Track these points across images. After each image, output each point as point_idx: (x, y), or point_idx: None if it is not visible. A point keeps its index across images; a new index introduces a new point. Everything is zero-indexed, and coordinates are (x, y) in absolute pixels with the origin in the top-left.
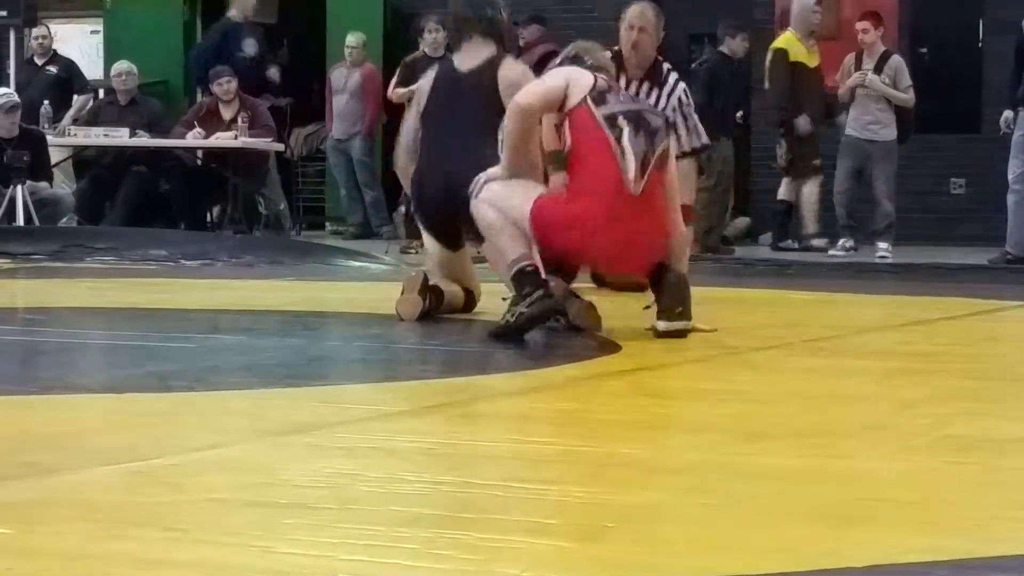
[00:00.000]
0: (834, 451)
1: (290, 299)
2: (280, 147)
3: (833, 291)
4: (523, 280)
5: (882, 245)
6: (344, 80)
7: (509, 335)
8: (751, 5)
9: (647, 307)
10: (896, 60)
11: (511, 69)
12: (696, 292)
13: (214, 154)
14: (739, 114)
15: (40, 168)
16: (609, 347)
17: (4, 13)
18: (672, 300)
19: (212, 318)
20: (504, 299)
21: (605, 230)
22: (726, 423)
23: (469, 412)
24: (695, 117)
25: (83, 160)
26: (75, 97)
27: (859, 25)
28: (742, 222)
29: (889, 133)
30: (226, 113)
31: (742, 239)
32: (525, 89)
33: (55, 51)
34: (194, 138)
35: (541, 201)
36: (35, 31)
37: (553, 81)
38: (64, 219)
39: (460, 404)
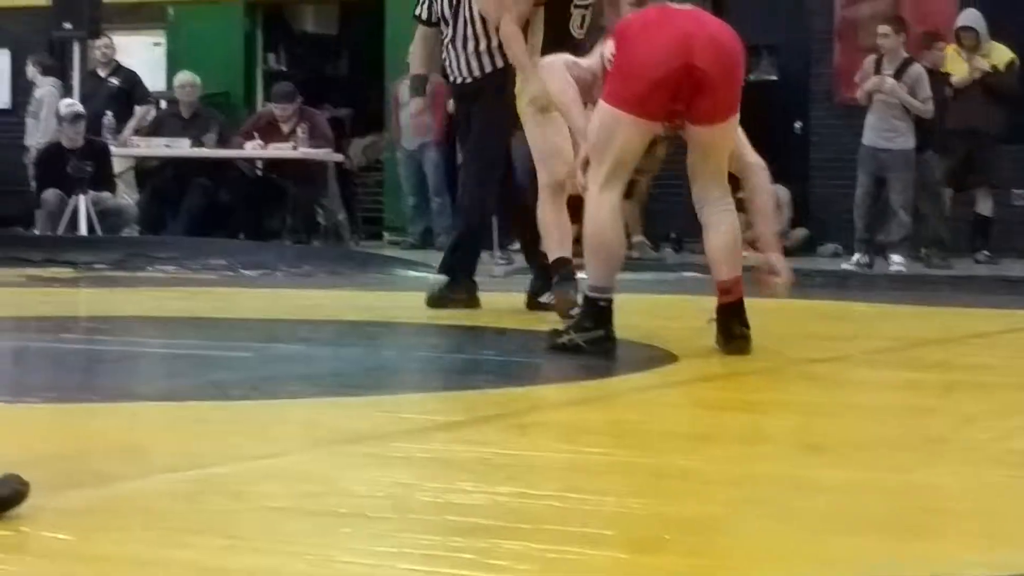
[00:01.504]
0: (894, 464)
1: (348, 309)
2: (339, 158)
3: (893, 303)
4: (593, 312)
5: (896, 258)
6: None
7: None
8: (808, 15)
9: (710, 320)
10: (916, 69)
11: None
12: (754, 303)
13: (274, 165)
14: (797, 125)
15: (103, 178)
16: (666, 358)
17: (69, 25)
18: (736, 321)
19: (271, 327)
20: (570, 315)
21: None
22: (784, 435)
23: (525, 422)
24: None
25: (145, 170)
26: (137, 108)
27: (880, 29)
28: (799, 233)
29: (906, 142)
30: (285, 124)
31: (800, 250)
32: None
33: (118, 63)
34: (253, 149)
35: (607, 83)
36: (99, 43)
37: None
38: (126, 229)
39: (516, 414)
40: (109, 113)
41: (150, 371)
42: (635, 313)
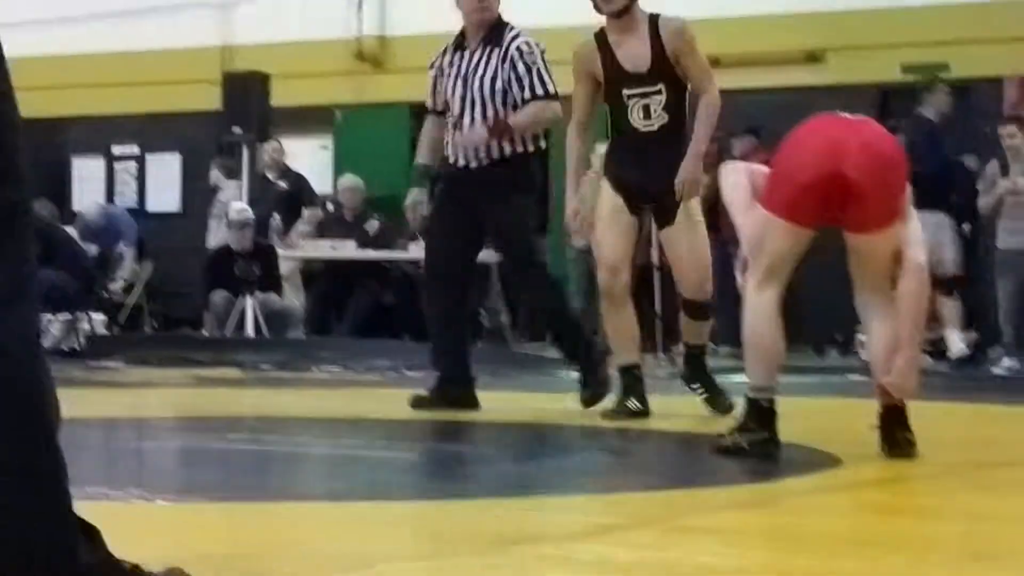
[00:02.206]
0: None
1: (510, 410)
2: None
3: None
4: (756, 414)
5: None
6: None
7: (728, 453)
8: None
9: (873, 425)
10: None
11: None
12: (920, 407)
13: None
14: (965, 226)
15: (270, 280)
16: (830, 461)
17: (238, 129)
18: (899, 426)
19: (434, 428)
20: (733, 416)
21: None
22: (951, 542)
23: (686, 525)
24: (540, 65)
25: (311, 272)
26: (304, 211)
27: (1005, 131)
28: (970, 336)
29: None
30: None
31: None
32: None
33: (287, 166)
34: (418, 251)
35: (764, 187)
36: (268, 146)
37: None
38: (292, 330)
39: (677, 516)
40: (277, 215)
41: (315, 471)
42: (799, 416)
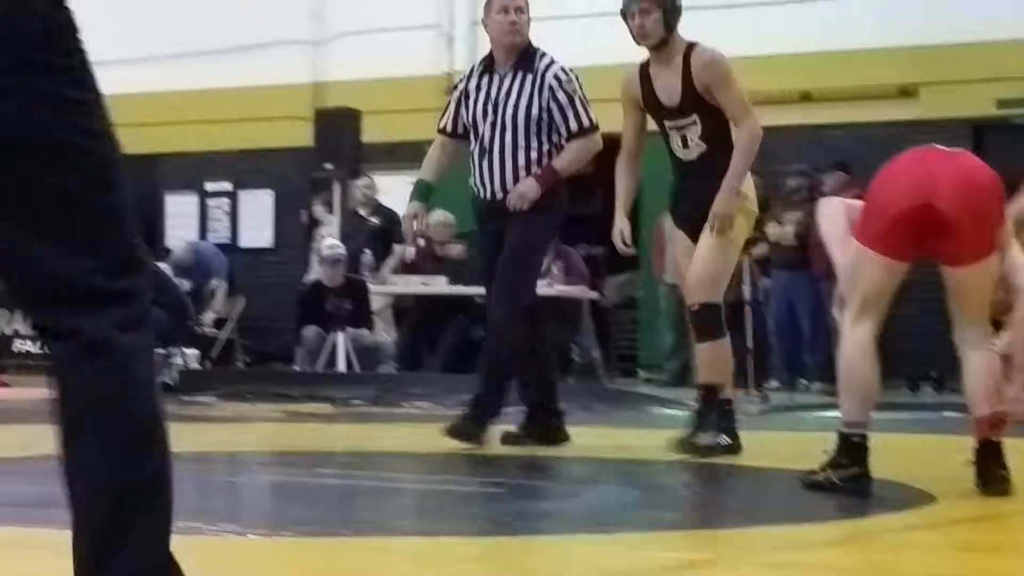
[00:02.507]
0: None
1: (601, 446)
2: (594, 295)
3: None
4: (848, 449)
5: None
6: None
7: (820, 488)
8: None
9: (969, 461)
10: None
11: None
12: (1016, 443)
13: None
14: None
15: (361, 315)
16: (924, 498)
17: (330, 166)
18: (994, 462)
19: (522, 463)
20: (824, 451)
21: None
22: None
23: (778, 562)
24: (580, 94)
25: (402, 308)
26: (395, 247)
27: None
28: None
29: None
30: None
31: None
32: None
33: (378, 202)
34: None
35: (857, 220)
36: (360, 182)
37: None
38: (383, 365)
39: (770, 553)
40: (368, 251)
41: (403, 506)
42: (892, 452)
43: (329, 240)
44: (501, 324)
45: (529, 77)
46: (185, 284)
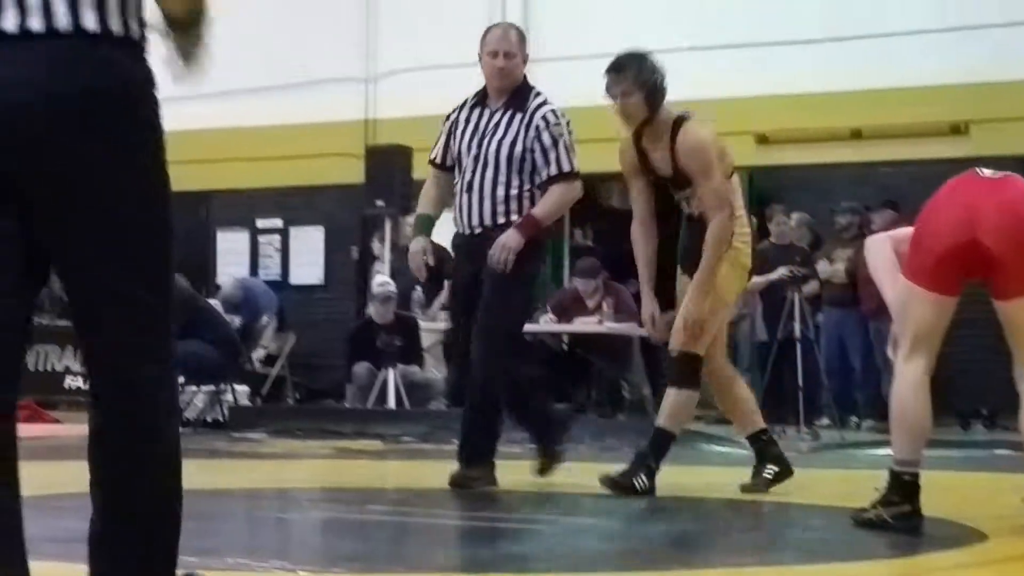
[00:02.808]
0: None
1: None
2: (644, 332)
3: None
4: (899, 487)
5: None
6: None
7: (871, 526)
8: None
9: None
10: None
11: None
12: None
13: (579, 339)
14: None
15: (412, 352)
16: (975, 536)
17: (381, 203)
18: None
19: (570, 500)
20: (875, 489)
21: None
22: None
23: None
24: (566, 138)
25: (453, 344)
26: (446, 283)
27: None
28: None
29: None
30: (590, 299)
31: None
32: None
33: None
34: (547, 324)
35: (907, 258)
36: (410, 219)
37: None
38: (433, 402)
39: None
40: (418, 288)
41: (452, 542)
42: (943, 490)
43: (380, 277)
44: (484, 368)
45: (519, 116)
46: (236, 321)
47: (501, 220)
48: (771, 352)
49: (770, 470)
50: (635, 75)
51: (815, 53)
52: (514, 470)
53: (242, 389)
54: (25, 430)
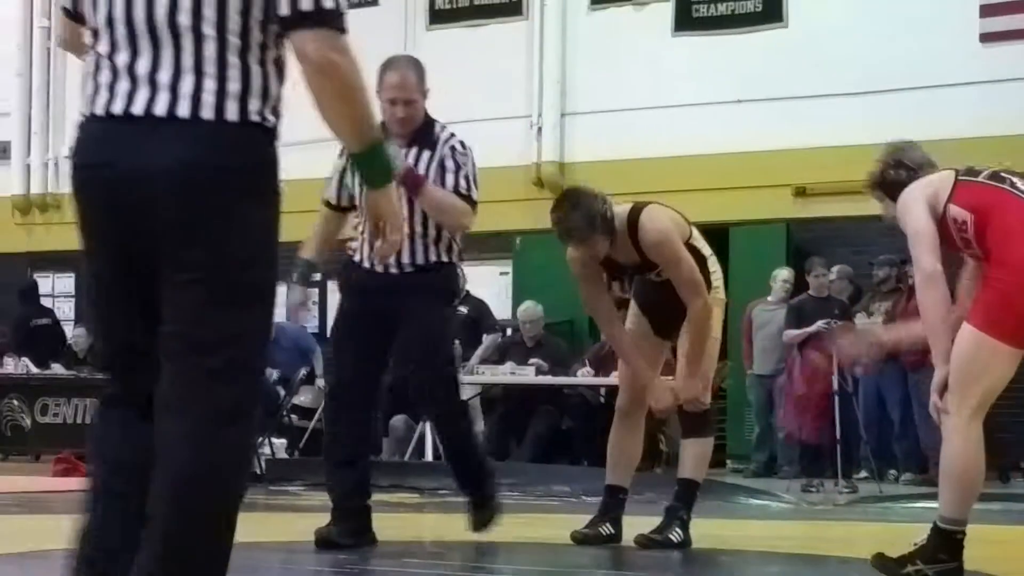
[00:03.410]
0: None
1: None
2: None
3: None
4: (947, 545)
5: None
6: (770, 316)
7: None
8: None
9: None
10: None
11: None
12: None
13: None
14: None
15: None
16: None
17: None
18: None
19: (612, 554)
20: (914, 543)
21: None
22: None
23: None
24: (470, 168)
25: (491, 397)
26: (485, 337)
27: None
28: None
29: None
30: None
31: None
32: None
33: (468, 292)
34: (585, 376)
35: (982, 308)
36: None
37: (917, 208)
38: None
39: None
40: (457, 341)
41: None
42: (983, 543)
43: None
44: (444, 411)
45: (426, 153)
46: (274, 373)
47: (420, 261)
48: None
49: (607, 529)
50: (588, 230)
51: (853, 105)
52: (550, 523)
53: (279, 442)
54: (63, 483)
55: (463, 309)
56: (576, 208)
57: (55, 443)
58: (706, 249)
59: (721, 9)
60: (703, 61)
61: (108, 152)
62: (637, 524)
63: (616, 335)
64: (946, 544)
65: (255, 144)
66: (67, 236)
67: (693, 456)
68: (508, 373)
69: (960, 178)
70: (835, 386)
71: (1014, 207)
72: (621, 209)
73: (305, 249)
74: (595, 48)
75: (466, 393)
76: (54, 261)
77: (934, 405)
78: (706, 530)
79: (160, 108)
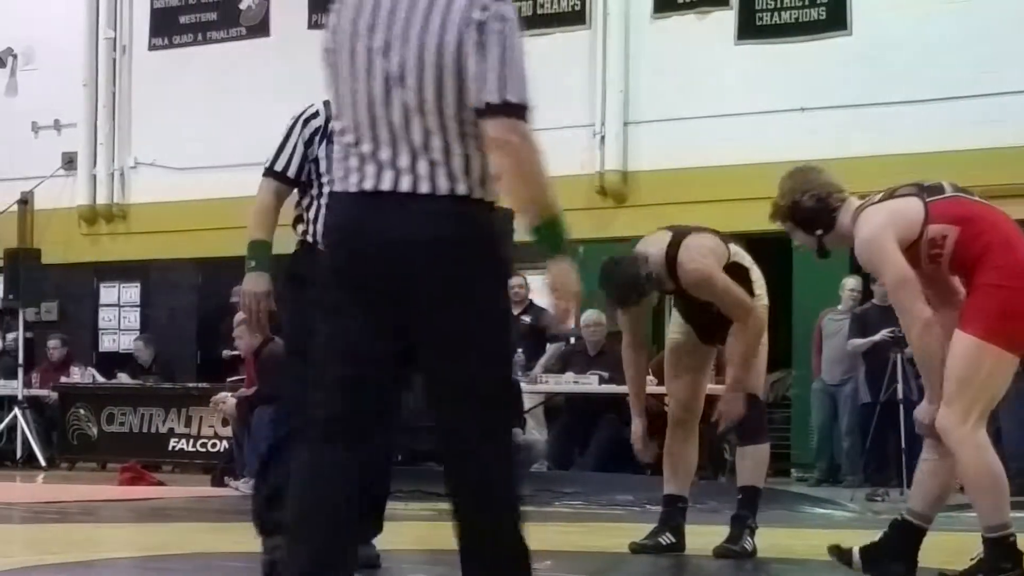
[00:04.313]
0: None
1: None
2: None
3: None
4: (1004, 552)
5: None
6: (838, 325)
7: None
8: None
9: None
10: None
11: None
12: None
13: None
14: None
15: (514, 415)
16: None
17: None
18: None
19: (675, 563)
20: (972, 559)
21: None
22: None
23: None
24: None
25: (554, 407)
26: (548, 346)
27: None
28: None
29: None
30: None
31: None
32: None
33: (531, 301)
34: (649, 386)
35: (981, 317)
36: (512, 282)
37: (893, 252)
38: (535, 464)
39: None
40: (520, 350)
41: None
42: None
43: None
44: None
45: None
46: None
47: None
48: (874, 414)
49: (666, 538)
50: (636, 297)
51: (917, 113)
52: (612, 532)
53: None
54: (129, 492)
55: (526, 318)
56: (619, 287)
57: (121, 452)
58: (746, 260)
59: (785, 17)
60: (766, 69)
61: (360, 220)
62: (702, 533)
63: (629, 357)
64: (1003, 551)
65: (480, 215)
66: (132, 246)
67: (752, 462)
68: (571, 382)
69: (929, 199)
70: (900, 394)
71: (997, 215)
72: (657, 250)
73: (256, 229)
74: (658, 57)
75: (529, 402)
76: (119, 271)
77: (921, 425)
78: (771, 539)
79: (404, 186)
